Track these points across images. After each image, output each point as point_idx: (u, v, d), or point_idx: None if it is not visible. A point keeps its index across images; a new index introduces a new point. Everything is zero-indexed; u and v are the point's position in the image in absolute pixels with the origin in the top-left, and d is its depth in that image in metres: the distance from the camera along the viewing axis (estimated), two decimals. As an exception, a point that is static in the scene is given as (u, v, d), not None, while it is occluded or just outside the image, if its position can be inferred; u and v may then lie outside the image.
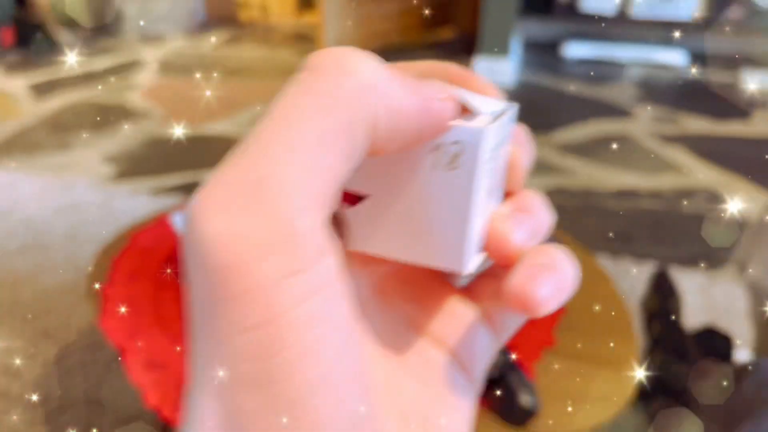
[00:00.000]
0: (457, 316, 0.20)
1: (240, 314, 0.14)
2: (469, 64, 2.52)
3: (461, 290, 0.21)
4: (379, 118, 0.15)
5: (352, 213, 0.18)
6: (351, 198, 0.18)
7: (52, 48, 2.82)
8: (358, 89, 0.15)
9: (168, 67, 2.68)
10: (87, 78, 2.55)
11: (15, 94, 2.42)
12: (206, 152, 1.94)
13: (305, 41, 2.99)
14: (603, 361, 0.74)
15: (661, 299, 0.85)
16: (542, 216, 0.20)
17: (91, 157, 1.94)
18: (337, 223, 0.19)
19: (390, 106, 0.15)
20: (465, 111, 0.18)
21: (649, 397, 0.75)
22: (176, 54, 2.85)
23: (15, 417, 1.09)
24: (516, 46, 2.54)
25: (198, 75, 2.58)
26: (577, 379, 0.72)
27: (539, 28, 2.80)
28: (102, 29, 3.05)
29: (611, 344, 0.76)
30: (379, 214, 0.18)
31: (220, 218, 0.13)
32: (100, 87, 2.44)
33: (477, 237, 0.18)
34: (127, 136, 2.07)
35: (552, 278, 0.17)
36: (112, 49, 2.88)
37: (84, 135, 2.07)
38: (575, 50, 2.68)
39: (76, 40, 2.93)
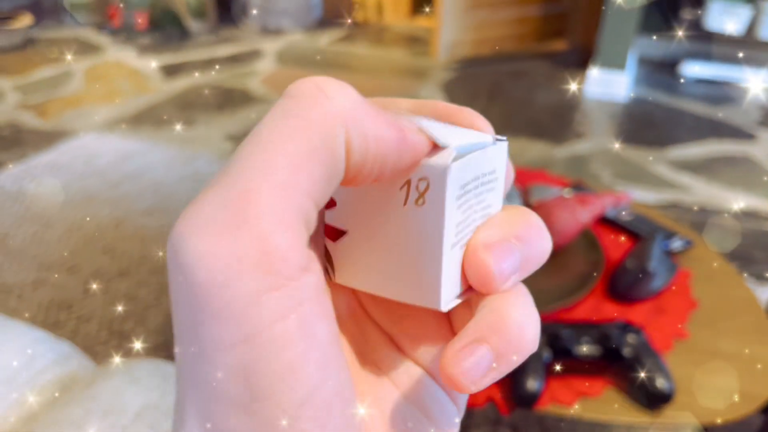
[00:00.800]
0: (435, 339, 0.20)
1: (219, 332, 0.13)
2: (582, 77, 2.49)
3: (444, 314, 0.20)
4: (353, 142, 0.15)
5: (333, 248, 0.19)
6: (333, 233, 0.19)
7: (182, 34, 3.00)
8: (331, 113, 0.15)
9: (285, 59, 2.79)
10: (211, 63, 2.70)
11: (147, 72, 2.59)
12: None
13: (418, 43, 3.03)
14: (736, 359, 0.72)
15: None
16: (536, 242, 0.18)
17: (213, 133, 2.05)
18: (328, 256, 0.19)
19: (363, 132, 0.15)
20: (437, 147, 0.17)
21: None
22: (293, 47, 2.97)
23: (139, 351, 1.17)
24: (632, 61, 2.48)
25: (313, 68, 2.67)
26: (710, 374, 0.71)
27: (658, 44, 2.73)
28: (227, 20, 3.22)
29: (745, 343, 0.74)
30: (357, 250, 0.18)
31: (199, 238, 0.14)
32: (220, 71, 2.57)
33: (455, 272, 0.18)
34: (246, 117, 2.17)
35: (487, 356, 0.16)
36: (235, 39, 3.03)
37: (208, 114, 2.19)
38: (695, 69, 2.59)
39: (203, 28, 3.11)
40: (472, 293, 0.18)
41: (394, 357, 0.20)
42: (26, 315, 1.25)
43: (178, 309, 0.14)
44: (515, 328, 0.16)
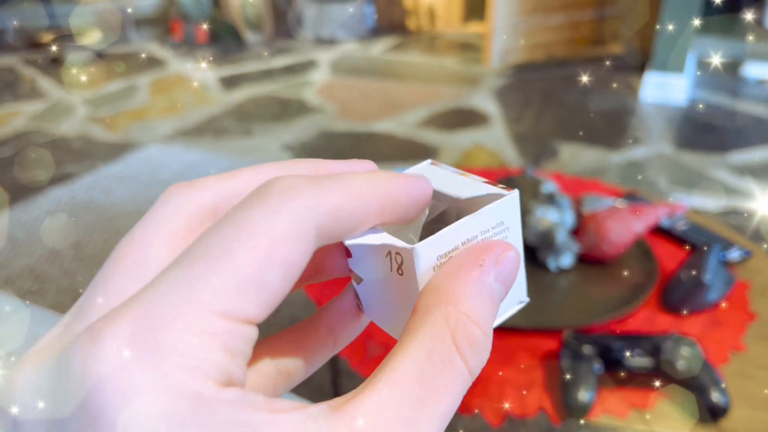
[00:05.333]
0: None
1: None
2: (638, 80, 2.45)
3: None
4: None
5: (358, 289, 0.22)
6: (356, 277, 0.22)
7: (240, 46, 3.09)
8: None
9: (340, 68, 2.84)
10: (268, 74, 2.77)
11: (206, 84, 2.68)
12: (373, 147, 2.04)
13: (470, 50, 3.04)
14: (797, 373, 0.71)
15: None
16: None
17: (270, 143, 2.11)
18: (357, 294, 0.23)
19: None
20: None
21: None
22: (347, 57, 3.02)
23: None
24: (691, 64, 2.42)
25: (366, 77, 2.71)
26: (766, 388, 0.70)
27: (719, 46, 2.65)
28: (283, 31, 3.30)
29: (807, 358, 0.73)
30: (371, 295, 0.21)
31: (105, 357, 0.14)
32: (277, 81, 2.64)
33: None
34: (303, 127, 2.23)
35: None
36: (290, 50, 3.10)
37: (265, 124, 2.25)
38: (758, 70, 2.51)
39: (260, 40, 3.19)
40: None
41: None
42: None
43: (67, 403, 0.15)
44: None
